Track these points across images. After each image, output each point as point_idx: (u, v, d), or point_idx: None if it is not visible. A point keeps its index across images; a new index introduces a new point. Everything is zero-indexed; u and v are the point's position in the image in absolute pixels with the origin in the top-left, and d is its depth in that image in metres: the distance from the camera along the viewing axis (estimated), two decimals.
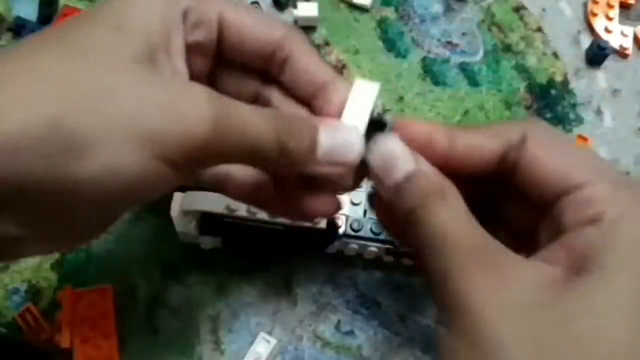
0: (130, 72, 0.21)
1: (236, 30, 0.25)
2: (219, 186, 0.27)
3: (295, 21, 0.43)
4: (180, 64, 0.24)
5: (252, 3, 0.43)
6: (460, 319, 0.20)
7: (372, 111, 0.25)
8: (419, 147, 0.24)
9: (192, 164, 0.21)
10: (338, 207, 0.27)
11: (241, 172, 0.26)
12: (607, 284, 0.19)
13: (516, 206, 0.26)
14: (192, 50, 0.25)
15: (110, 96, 0.20)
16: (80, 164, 0.19)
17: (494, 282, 0.20)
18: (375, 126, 0.25)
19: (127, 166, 0.20)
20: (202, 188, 0.34)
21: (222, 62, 0.27)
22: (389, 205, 0.24)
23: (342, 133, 0.24)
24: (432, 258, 0.21)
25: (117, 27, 0.22)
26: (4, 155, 0.18)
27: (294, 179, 0.26)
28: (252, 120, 0.22)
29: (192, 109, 0.21)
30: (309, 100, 0.27)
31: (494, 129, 0.25)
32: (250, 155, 0.22)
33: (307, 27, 0.43)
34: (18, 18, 0.41)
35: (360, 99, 0.25)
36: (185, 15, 0.24)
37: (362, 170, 0.24)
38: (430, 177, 0.23)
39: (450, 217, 0.22)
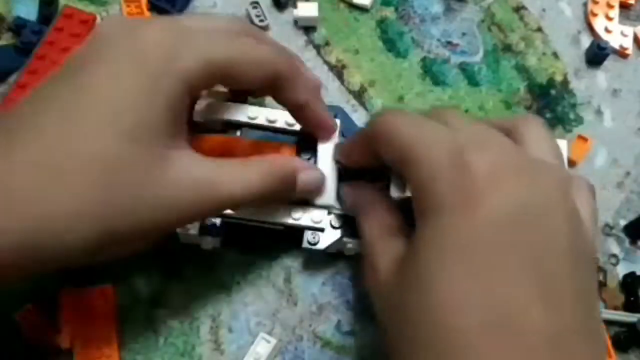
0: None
1: (229, 70, 0.29)
2: None
3: (295, 21, 0.43)
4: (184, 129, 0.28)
5: (252, 3, 0.43)
6: None
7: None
8: None
9: None
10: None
11: None
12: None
13: None
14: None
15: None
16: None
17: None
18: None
19: None
20: None
21: None
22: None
23: (313, 174, 0.32)
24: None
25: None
26: None
27: None
28: (242, 176, 0.28)
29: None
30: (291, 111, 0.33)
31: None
32: (239, 203, 0.30)
33: (307, 27, 0.43)
34: (18, 18, 0.41)
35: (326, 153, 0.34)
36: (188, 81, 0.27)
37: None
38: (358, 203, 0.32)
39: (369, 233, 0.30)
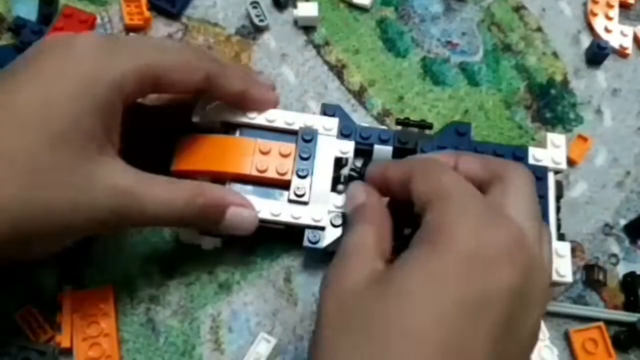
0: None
1: (160, 77, 0.30)
2: None
3: (295, 21, 0.43)
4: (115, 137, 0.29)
5: (252, 3, 0.43)
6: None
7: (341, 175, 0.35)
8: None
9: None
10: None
11: None
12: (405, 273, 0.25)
13: None
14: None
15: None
16: None
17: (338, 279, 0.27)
18: (352, 177, 0.35)
19: None
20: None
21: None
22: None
23: (245, 213, 0.32)
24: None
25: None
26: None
27: None
28: (167, 195, 0.29)
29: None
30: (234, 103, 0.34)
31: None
32: (160, 222, 0.32)
33: (307, 27, 0.43)
34: (18, 18, 0.41)
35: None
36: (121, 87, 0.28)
37: None
38: (366, 207, 0.30)
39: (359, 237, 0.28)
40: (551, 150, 0.36)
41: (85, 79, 0.27)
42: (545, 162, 0.35)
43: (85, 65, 0.27)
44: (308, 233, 0.33)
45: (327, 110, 0.37)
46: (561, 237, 0.34)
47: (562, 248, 0.33)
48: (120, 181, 0.28)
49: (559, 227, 0.34)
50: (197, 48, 0.35)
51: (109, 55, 0.28)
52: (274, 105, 0.35)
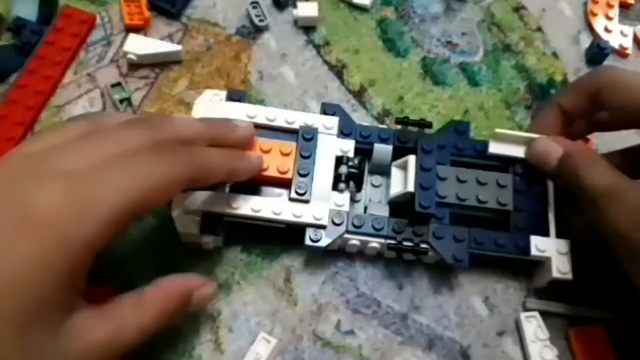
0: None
1: (141, 209, 0.27)
2: None
3: (295, 21, 0.43)
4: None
5: (252, 3, 0.43)
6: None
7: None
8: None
9: None
10: None
11: None
12: None
13: None
14: None
15: None
16: None
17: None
18: (352, 175, 0.35)
19: None
20: (203, 188, 0.34)
21: None
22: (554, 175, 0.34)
23: (207, 290, 0.32)
24: (587, 203, 0.31)
25: None
26: None
27: None
28: (138, 320, 0.29)
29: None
30: None
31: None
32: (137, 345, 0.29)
33: (307, 27, 0.43)
34: (18, 18, 0.41)
35: None
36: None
37: None
38: (576, 152, 0.33)
39: (599, 174, 0.31)
40: None
41: (51, 247, 0.24)
42: None
43: (50, 232, 0.23)
44: (309, 232, 0.33)
45: (327, 109, 0.37)
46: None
47: (562, 246, 0.34)
48: (93, 336, 0.26)
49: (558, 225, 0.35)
50: (169, 142, 0.29)
51: (78, 211, 0.24)
52: (259, 170, 0.34)
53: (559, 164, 0.33)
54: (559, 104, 0.34)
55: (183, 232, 0.34)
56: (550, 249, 0.34)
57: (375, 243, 0.34)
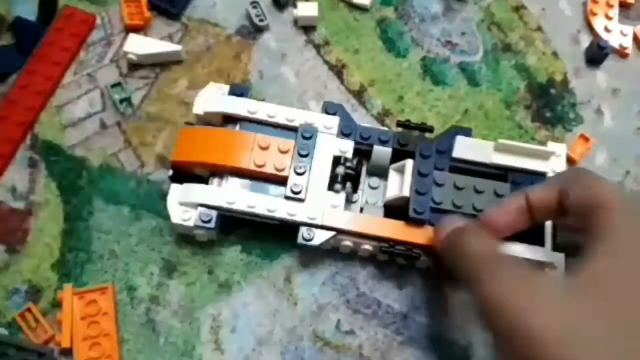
0: None
1: None
2: None
3: (295, 21, 0.43)
4: None
5: (252, 3, 0.43)
6: None
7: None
8: None
9: None
10: None
11: None
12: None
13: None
14: None
15: None
16: None
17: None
18: (349, 175, 0.35)
19: None
20: (199, 180, 0.34)
21: None
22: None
23: None
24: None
25: None
26: None
27: None
28: None
29: None
30: None
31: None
32: None
33: (307, 27, 0.43)
34: (18, 18, 0.41)
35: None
36: None
37: None
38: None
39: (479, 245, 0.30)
40: (551, 160, 0.36)
41: None
42: (545, 170, 0.36)
43: None
44: (302, 230, 0.33)
45: (329, 108, 0.37)
46: (557, 247, 0.34)
47: (556, 258, 0.33)
48: None
49: (554, 236, 0.34)
50: None
51: None
52: None
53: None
54: (526, 193, 0.32)
55: (177, 224, 0.34)
56: (544, 260, 0.33)
57: (367, 245, 0.34)
